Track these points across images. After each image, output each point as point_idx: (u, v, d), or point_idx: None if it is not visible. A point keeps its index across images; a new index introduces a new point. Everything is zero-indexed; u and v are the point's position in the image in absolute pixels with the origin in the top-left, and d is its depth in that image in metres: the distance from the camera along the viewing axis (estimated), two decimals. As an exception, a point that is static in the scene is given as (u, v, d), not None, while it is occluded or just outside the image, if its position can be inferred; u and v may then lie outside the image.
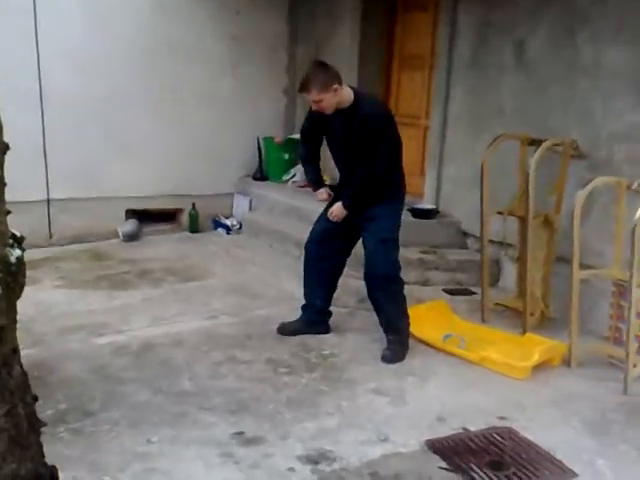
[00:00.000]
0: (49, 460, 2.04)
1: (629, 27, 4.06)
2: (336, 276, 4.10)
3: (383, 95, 6.36)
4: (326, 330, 4.14)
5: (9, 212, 1.79)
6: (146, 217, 6.33)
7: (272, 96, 6.87)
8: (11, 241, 1.72)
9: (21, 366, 1.79)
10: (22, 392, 1.74)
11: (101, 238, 6.01)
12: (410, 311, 4.09)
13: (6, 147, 1.77)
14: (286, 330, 4.09)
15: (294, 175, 6.72)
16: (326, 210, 3.98)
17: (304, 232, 5.39)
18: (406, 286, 4.08)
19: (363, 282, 4.29)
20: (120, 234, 6.02)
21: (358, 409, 3.24)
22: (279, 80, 6.90)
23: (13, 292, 1.70)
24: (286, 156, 6.81)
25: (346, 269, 4.34)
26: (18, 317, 3.48)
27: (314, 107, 3.66)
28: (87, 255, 5.60)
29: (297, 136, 6.88)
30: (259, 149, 6.76)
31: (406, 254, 5.02)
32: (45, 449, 2.42)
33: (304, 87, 3.60)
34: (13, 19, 5.29)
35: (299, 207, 5.99)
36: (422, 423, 3.12)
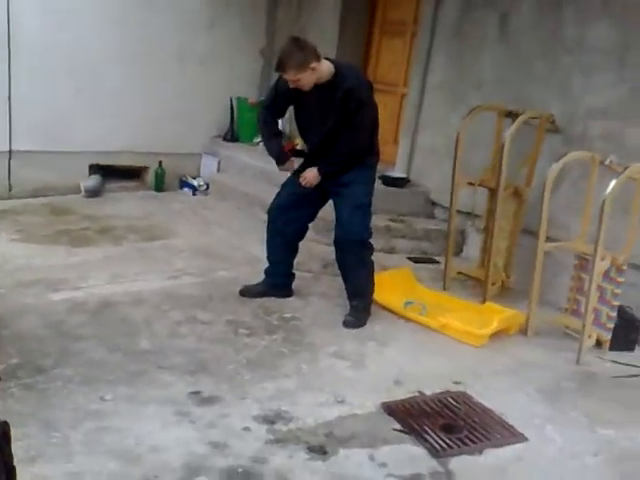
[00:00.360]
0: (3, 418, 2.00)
1: (615, 3, 4.03)
2: (299, 240, 4.05)
3: (362, 61, 6.28)
4: (289, 293, 4.12)
5: None
6: (110, 173, 6.18)
7: (248, 56, 6.70)
8: None
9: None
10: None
11: (63, 193, 5.86)
12: (376, 278, 4.10)
13: None
14: (249, 292, 4.05)
15: (265, 138, 6.60)
16: (294, 174, 3.92)
17: (272, 195, 5.33)
18: (383, 254, 4.09)
19: (328, 247, 4.28)
20: (82, 189, 5.88)
21: (317, 372, 3.24)
22: (257, 40, 6.73)
23: None
24: (259, 118, 6.69)
25: (312, 234, 4.31)
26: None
27: (291, 85, 3.54)
28: (47, 209, 5.46)
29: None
30: (231, 109, 6.63)
31: (374, 221, 4.97)
32: (-6, 405, 2.37)
33: (280, 66, 3.48)
34: None
35: (269, 170, 5.85)
36: (380, 386, 3.14)
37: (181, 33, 6.18)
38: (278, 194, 4.03)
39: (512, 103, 4.41)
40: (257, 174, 5.96)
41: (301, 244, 4.10)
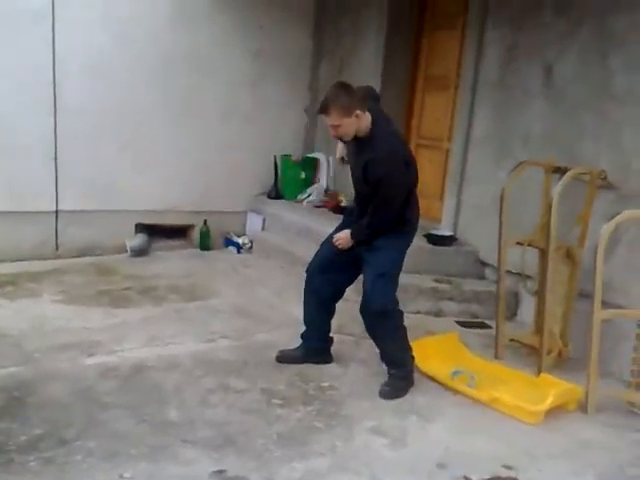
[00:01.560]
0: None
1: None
2: (334, 302, 3.86)
3: (405, 116, 6.17)
4: (328, 359, 3.92)
5: None
6: (156, 232, 6.20)
7: (293, 114, 6.72)
8: None
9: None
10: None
11: (109, 252, 5.88)
12: (418, 343, 3.87)
13: None
14: (285, 358, 3.87)
15: (310, 195, 6.54)
16: (333, 234, 3.77)
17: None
18: (417, 316, 3.86)
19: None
20: (128, 248, 5.89)
21: (353, 451, 3.00)
22: (301, 98, 6.75)
23: None
24: (303, 175, 6.66)
25: (354, 295, 4.12)
26: (11, 332, 3.32)
27: (331, 132, 3.43)
28: (92, 269, 5.46)
29: (315, 155, 6.78)
30: (275, 167, 6.60)
31: (419, 282, 4.82)
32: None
33: (324, 108, 3.35)
34: (31, 24, 5.24)
35: (313, 228, 5.79)
36: (421, 469, 2.87)
37: (227, 90, 6.24)
38: (316, 253, 3.88)
39: (561, 158, 4.18)
40: (301, 232, 5.85)
41: (343, 306, 3.91)
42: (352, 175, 3.67)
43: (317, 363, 3.86)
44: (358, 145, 3.47)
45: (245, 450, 2.92)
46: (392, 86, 6.10)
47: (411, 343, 3.79)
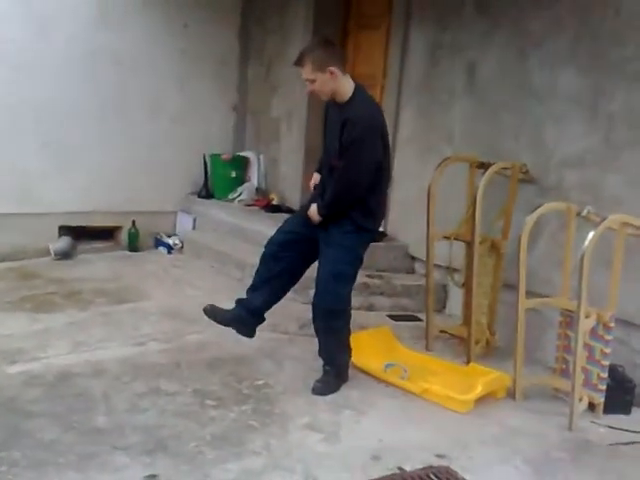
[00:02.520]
0: None
1: (584, 50, 3.97)
2: (283, 286, 3.73)
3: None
4: (251, 334, 3.74)
5: None
6: (82, 234, 6.01)
7: (221, 113, 6.67)
8: None
9: None
10: None
11: (33, 256, 5.66)
12: (352, 338, 3.88)
13: None
14: (212, 313, 3.72)
15: (241, 194, 6.49)
16: (301, 209, 3.73)
17: (247, 253, 5.19)
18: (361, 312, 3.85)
19: (305, 306, 4.06)
20: (52, 252, 5.68)
21: (288, 448, 2.98)
22: (229, 96, 6.71)
23: None
24: (233, 174, 6.60)
25: (290, 294, 4.11)
26: None
27: (307, 89, 3.34)
28: (14, 274, 5.24)
29: (246, 154, 6.72)
30: (205, 166, 6.52)
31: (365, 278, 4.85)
32: None
33: (298, 59, 3.27)
34: None
35: (244, 227, 5.78)
36: (356, 463, 2.88)
37: (154, 89, 6.13)
38: (280, 227, 3.74)
39: (484, 155, 4.29)
40: (232, 231, 5.83)
41: (278, 304, 3.87)
42: (325, 142, 3.58)
43: (239, 332, 3.73)
44: (339, 108, 3.37)
45: (178, 454, 2.86)
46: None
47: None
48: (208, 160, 6.50)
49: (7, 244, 5.52)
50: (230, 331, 3.92)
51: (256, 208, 6.24)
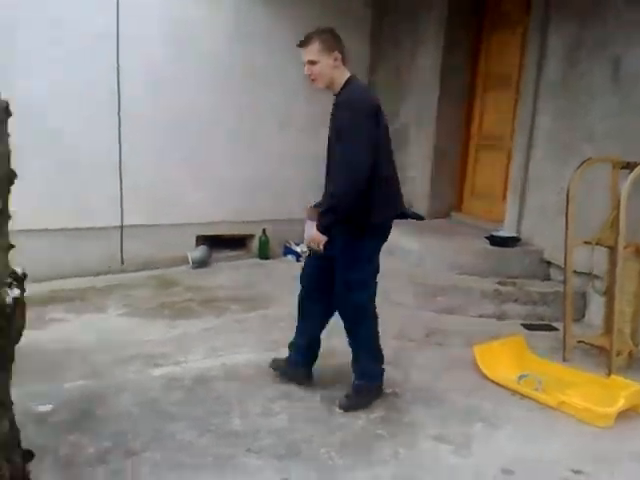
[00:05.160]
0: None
1: None
2: (326, 318, 3.62)
3: (466, 116, 6.10)
4: (307, 376, 3.63)
5: (12, 246, 1.65)
6: (217, 243, 6.29)
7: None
8: (10, 280, 1.58)
9: (11, 421, 1.63)
10: (9, 450, 1.57)
11: (171, 265, 6.00)
12: (482, 348, 3.79)
13: (13, 175, 1.64)
14: (277, 366, 3.71)
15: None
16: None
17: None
18: (480, 320, 3.74)
19: (431, 314, 4.00)
20: (190, 260, 5.99)
21: (417, 458, 2.94)
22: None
23: (6, 338, 1.54)
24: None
25: (413, 300, 4.07)
26: (79, 346, 3.37)
27: (306, 71, 3.19)
28: (155, 282, 5.58)
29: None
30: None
31: (481, 285, 4.72)
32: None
33: (305, 39, 3.15)
34: (96, 43, 5.36)
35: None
36: (487, 477, 2.80)
37: (283, 101, 6.30)
38: (303, 265, 3.67)
39: (629, 154, 4.02)
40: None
41: (402, 311, 3.84)
42: (328, 146, 3.41)
43: (293, 378, 3.63)
44: (334, 100, 3.26)
45: (308, 459, 2.91)
46: (451, 87, 6.05)
47: (475, 347, 3.70)
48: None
49: (148, 253, 5.90)
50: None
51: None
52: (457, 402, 3.49)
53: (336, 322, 3.57)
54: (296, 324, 3.69)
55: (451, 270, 4.91)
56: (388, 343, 3.94)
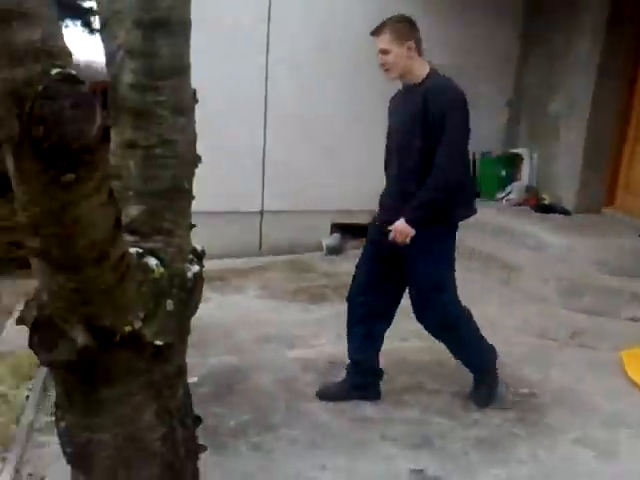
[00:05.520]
0: (228, 477, 1.95)
1: None
2: (385, 329, 3.40)
3: (626, 113, 5.75)
4: (375, 395, 3.37)
5: (193, 226, 1.75)
6: (349, 231, 6.35)
7: (493, 109, 6.51)
8: (191, 256, 1.68)
9: (185, 387, 1.74)
10: (182, 414, 1.68)
11: (306, 250, 6.14)
12: (632, 353, 3.59)
13: (198, 159, 1.74)
14: (326, 393, 3.37)
15: (509, 192, 6.31)
16: (367, 248, 3.37)
17: (512, 254, 5.06)
18: (632, 323, 3.50)
19: (577, 314, 3.82)
20: (324, 247, 6.10)
21: (557, 460, 2.85)
22: (503, 93, 6.56)
23: (186, 309, 1.63)
24: (503, 172, 6.45)
25: (557, 298, 3.88)
26: (222, 323, 3.54)
27: (379, 60, 3.05)
28: (291, 267, 5.73)
29: (518, 151, 6.50)
30: (473, 164, 6.45)
31: (633, 286, 4.43)
32: (225, 465, 2.43)
33: (377, 28, 3.02)
34: (246, 47, 5.52)
35: (510, 227, 5.60)
36: (634, 487, 2.65)
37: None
38: (353, 277, 3.37)
39: None
40: (496, 231, 5.66)
41: (545, 308, 3.69)
42: (392, 135, 3.29)
43: (362, 399, 3.33)
44: (411, 90, 3.06)
45: (443, 451, 2.89)
46: (609, 83, 5.69)
47: (623, 352, 3.50)
48: (476, 158, 6.42)
49: (286, 239, 6.06)
50: (499, 335, 3.84)
51: (524, 208, 6.02)
52: (601, 407, 3.33)
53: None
54: (349, 345, 3.38)
55: (598, 268, 4.64)
56: (528, 341, 3.84)
